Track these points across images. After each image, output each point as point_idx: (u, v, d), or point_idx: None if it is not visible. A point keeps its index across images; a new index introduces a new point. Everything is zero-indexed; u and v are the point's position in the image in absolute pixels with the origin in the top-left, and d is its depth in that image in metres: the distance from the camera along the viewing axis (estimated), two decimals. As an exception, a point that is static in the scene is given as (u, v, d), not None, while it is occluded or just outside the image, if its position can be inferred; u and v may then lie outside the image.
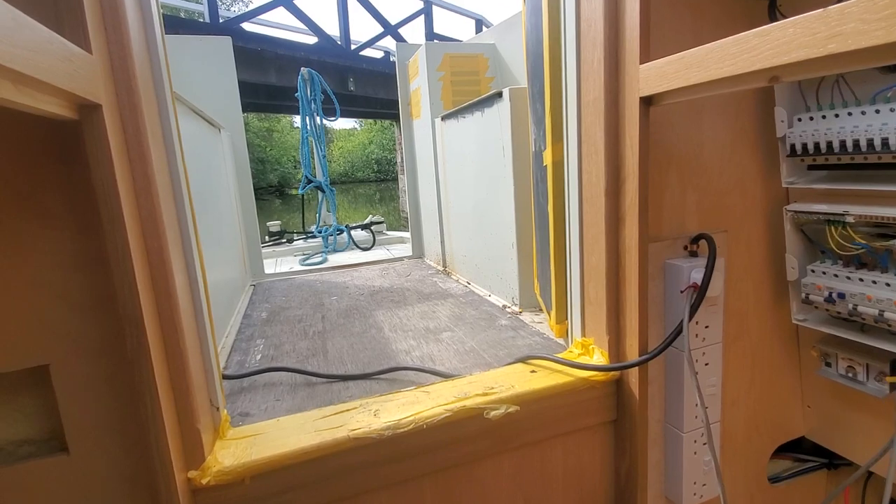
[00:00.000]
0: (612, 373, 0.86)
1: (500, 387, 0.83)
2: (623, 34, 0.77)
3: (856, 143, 0.78)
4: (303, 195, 3.35)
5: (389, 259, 2.51)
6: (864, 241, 0.81)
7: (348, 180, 34.88)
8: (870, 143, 0.75)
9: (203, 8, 5.48)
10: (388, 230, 3.60)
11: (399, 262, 2.40)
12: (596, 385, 0.86)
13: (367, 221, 3.38)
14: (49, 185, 0.54)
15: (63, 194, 0.54)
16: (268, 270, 2.37)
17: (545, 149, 1.05)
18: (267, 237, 3.37)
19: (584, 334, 0.94)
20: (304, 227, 3.54)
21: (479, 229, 1.71)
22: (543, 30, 0.97)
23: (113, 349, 0.58)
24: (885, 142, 0.74)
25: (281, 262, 2.79)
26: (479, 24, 8.75)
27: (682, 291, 0.85)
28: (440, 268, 2.18)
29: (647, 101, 0.75)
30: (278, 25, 6.79)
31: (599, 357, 0.89)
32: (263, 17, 6.24)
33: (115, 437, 0.59)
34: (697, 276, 0.83)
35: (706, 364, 0.90)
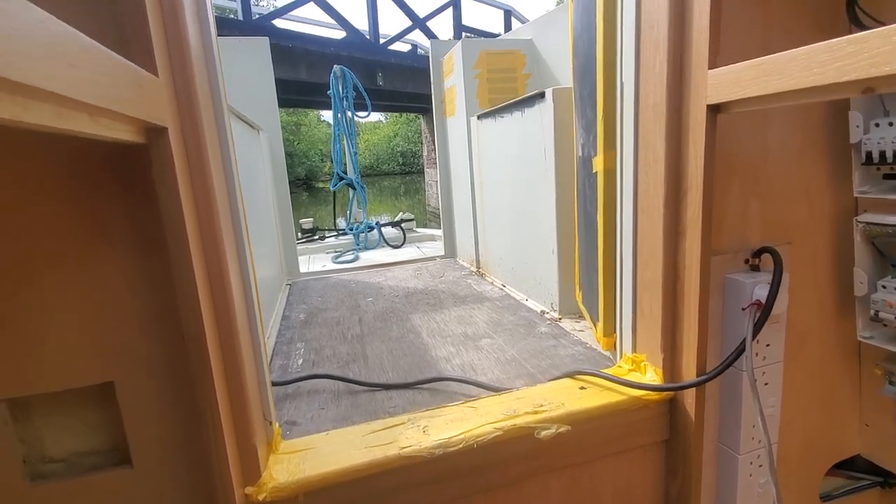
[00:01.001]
0: (668, 392, 0.83)
1: (550, 404, 0.81)
2: (689, 36, 0.72)
3: (945, 154, 0.72)
4: (334, 191, 3.38)
5: (422, 259, 2.51)
6: (947, 258, 0.76)
7: (373, 173, 35.13)
8: (962, 153, 0.70)
9: (236, 5, 5.57)
10: (417, 227, 3.60)
11: (432, 262, 2.39)
12: (649, 404, 0.83)
13: (397, 219, 3.38)
14: (113, 205, 0.54)
15: (127, 214, 0.55)
16: (301, 268, 2.40)
17: (595, 155, 1.01)
18: (300, 234, 3.42)
19: (634, 350, 0.91)
20: (335, 224, 3.58)
21: (517, 233, 1.68)
22: (597, 30, 0.93)
23: (175, 367, 0.58)
24: (981, 153, 0.68)
25: (314, 260, 2.82)
26: (508, 14, 8.60)
27: (744, 309, 0.80)
28: (473, 269, 2.16)
29: (714, 109, 0.71)
30: (308, 21, 6.84)
31: (653, 375, 0.85)
32: (293, 12, 6.29)
33: (176, 452, 0.60)
34: (761, 293, 0.79)
35: (766, 384, 0.86)
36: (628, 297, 0.90)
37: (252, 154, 1.59)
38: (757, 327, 0.78)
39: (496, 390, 0.94)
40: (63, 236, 0.54)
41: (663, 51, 0.75)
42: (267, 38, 2.06)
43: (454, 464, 0.72)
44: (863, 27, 0.80)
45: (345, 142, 3.29)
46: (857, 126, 0.84)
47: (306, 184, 28.19)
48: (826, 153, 0.89)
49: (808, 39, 0.85)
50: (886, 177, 0.85)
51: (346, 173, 3.30)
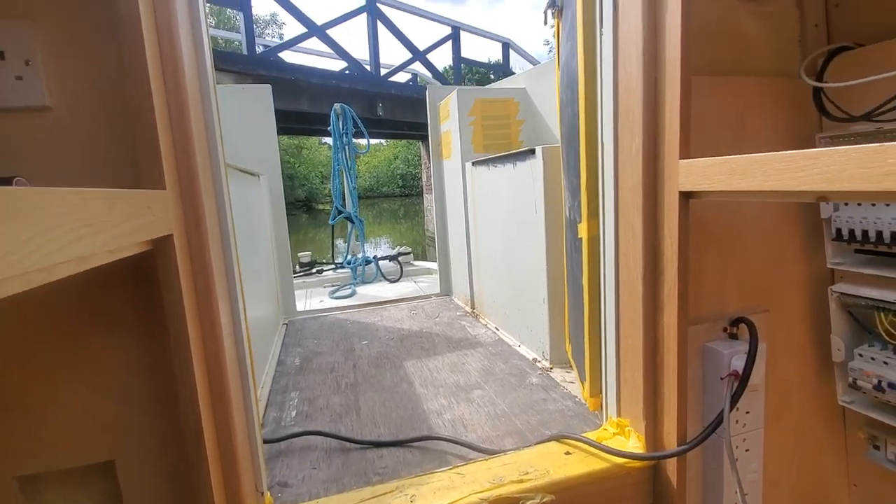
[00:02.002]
0: (649, 460, 0.85)
1: (535, 471, 0.83)
2: (662, 127, 0.77)
3: (907, 237, 0.76)
4: (332, 225, 3.43)
5: (418, 297, 2.53)
6: (917, 333, 0.79)
7: (373, 195, 35.42)
8: (923, 238, 0.74)
9: (241, 37, 5.73)
10: (414, 260, 3.64)
11: (427, 301, 2.42)
12: (632, 472, 0.85)
13: (394, 253, 3.42)
14: (119, 297, 0.57)
15: (131, 305, 0.58)
16: (298, 302, 2.42)
17: (580, 221, 1.05)
18: (297, 267, 3.45)
19: (619, 414, 0.93)
20: (332, 258, 3.62)
21: (509, 277, 1.72)
22: (579, 108, 0.99)
23: (172, 446, 0.61)
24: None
25: (311, 294, 2.85)
26: (507, 46, 8.85)
27: (722, 378, 0.83)
28: (468, 309, 2.19)
29: (687, 195, 0.75)
30: (310, 51, 7.02)
31: (636, 441, 0.88)
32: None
33: None
34: (738, 364, 0.82)
35: (746, 450, 0.88)
36: (612, 363, 0.92)
37: (251, 200, 1.64)
38: (734, 398, 0.81)
39: (485, 451, 0.96)
40: (71, 324, 0.57)
41: (639, 136, 0.79)
42: (269, 86, 2.13)
43: (441, 537, 0.74)
44: (829, 115, 0.85)
45: (344, 176, 3.35)
46: (827, 203, 0.88)
47: (306, 205, 28.40)
48: (799, 223, 0.93)
49: (779, 120, 0.90)
50: (858, 251, 0.89)
51: (344, 207, 3.35)
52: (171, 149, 0.54)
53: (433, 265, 3.31)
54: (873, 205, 0.81)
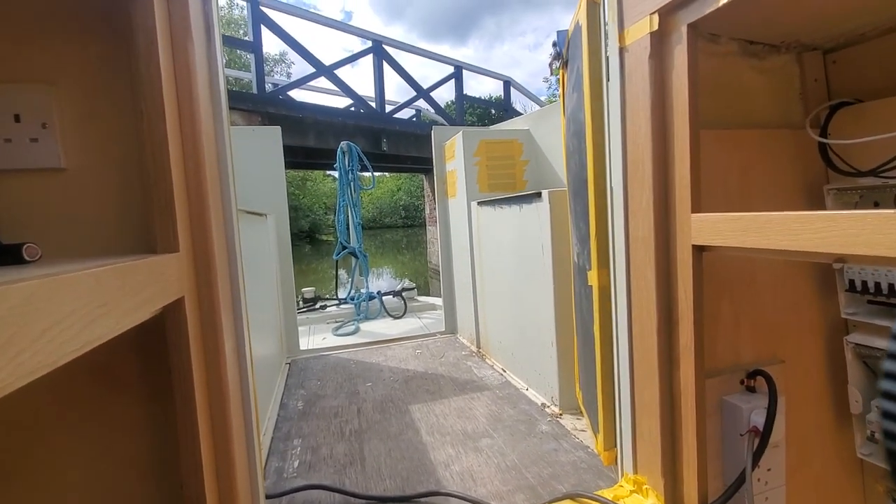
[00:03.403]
0: (670, 522, 0.82)
1: (550, 536, 0.79)
2: (673, 180, 0.78)
3: (923, 291, 0.75)
4: (336, 261, 3.43)
5: (422, 335, 2.51)
6: (939, 389, 0.77)
7: (376, 226, 35.68)
8: (939, 293, 0.73)
9: (251, 76, 5.90)
10: (418, 295, 3.62)
11: (432, 340, 2.39)
12: (652, 535, 0.82)
13: (398, 288, 3.41)
14: (125, 359, 0.56)
15: (135, 364, 0.57)
16: (301, 339, 2.40)
17: (590, 269, 1.05)
18: (301, 302, 3.44)
19: (636, 470, 0.90)
20: (336, 293, 3.60)
21: (516, 319, 1.70)
22: (587, 158, 1.00)
23: None
24: (956, 295, 0.71)
25: (314, 330, 2.82)
26: (508, 84, 9.08)
27: (742, 435, 0.81)
28: (474, 349, 2.16)
29: (700, 249, 0.75)
30: (316, 89, 7.21)
31: (654, 501, 0.84)
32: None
33: None
34: (758, 419, 0.79)
35: (770, 510, 0.84)
36: (627, 417, 0.90)
37: (258, 240, 1.64)
38: (756, 456, 0.78)
39: (496, 511, 0.92)
40: (72, 385, 0.56)
41: (649, 189, 0.80)
42: (279, 128, 2.18)
43: None
44: (836, 169, 0.86)
45: (349, 212, 3.38)
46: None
47: (310, 236, 28.57)
48: (811, 271, 0.92)
49: (786, 170, 0.91)
50: (871, 302, 0.88)
51: (348, 243, 3.37)
52: (185, 210, 0.54)
53: (438, 300, 3.28)
54: (887, 257, 0.80)
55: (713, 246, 0.71)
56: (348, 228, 3.36)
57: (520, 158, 2.16)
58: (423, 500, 1.01)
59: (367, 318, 3.10)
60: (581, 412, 1.36)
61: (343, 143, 3.30)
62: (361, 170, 3.39)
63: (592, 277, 1.03)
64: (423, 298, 3.57)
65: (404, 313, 3.14)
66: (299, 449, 1.28)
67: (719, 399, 0.85)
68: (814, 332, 0.94)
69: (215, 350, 0.58)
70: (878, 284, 0.81)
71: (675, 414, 0.83)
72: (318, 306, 3.36)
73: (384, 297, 3.28)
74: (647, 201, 0.81)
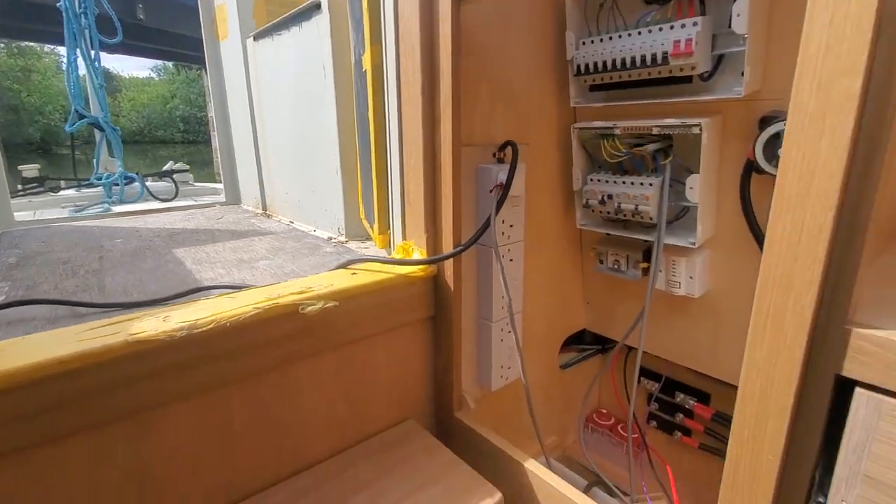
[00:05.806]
0: (430, 269, 0.89)
1: (318, 286, 0.79)
2: None
3: (623, 61, 0.92)
4: (72, 134, 2.67)
5: (197, 206, 2.19)
6: (625, 150, 0.98)
7: (145, 140, 29.45)
8: (632, 60, 0.90)
9: None
10: (196, 181, 3.14)
11: (210, 209, 2.11)
12: (415, 281, 0.88)
13: (165, 168, 2.88)
14: None
15: None
16: (19, 214, 1.84)
17: (364, 52, 1.01)
18: (20, 186, 2.62)
19: (404, 237, 0.95)
20: (75, 173, 2.85)
21: (301, 162, 1.60)
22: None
23: None
24: (643, 58, 0.89)
25: (42, 214, 2.20)
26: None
27: (490, 191, 0.91)
28: (259, 211, 1.99)
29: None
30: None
31: (418, 255, 0.91)
32: None
33: None
34: (503, 177, 0.90)
35: (511, 260, 1.00)
36: (396, 185, 0.93)
37: None
38: (499, 205, 0.89)
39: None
40: None
41: None
42: None
43: (204, 349, 0.64)
44: None
45: (89, 70, 2.62)
46: (571, 44, 1.02)
47: (42, 148, 21.88)
48: (554, 71, 1.06)
49: None
50: (592, 88, 1.06)
51: (88, 109, 2.64)
52: None
53: (219, 186, 2.90)
54: (601, 40, 0.96)
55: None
56: (85, 91, 2.61)
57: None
58: (182, 300, 0.89)
59: (121, 202, 2.54)
60: (368, 237, 1.39)
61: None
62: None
63: (366, 60, 0.99)
64: (200, 184, 3.11)
65: (175, 196, 2.69)
66: (7, 288, 0.99)
67: (475, 167, 0.94)
68: (552, 126, 1.10)
69: None
70: (595, 64, 0.97)
71: (437, 177, 0.88)
72: (45, 189, 2.61)
73: (149, 181, 2.73)
74: None
